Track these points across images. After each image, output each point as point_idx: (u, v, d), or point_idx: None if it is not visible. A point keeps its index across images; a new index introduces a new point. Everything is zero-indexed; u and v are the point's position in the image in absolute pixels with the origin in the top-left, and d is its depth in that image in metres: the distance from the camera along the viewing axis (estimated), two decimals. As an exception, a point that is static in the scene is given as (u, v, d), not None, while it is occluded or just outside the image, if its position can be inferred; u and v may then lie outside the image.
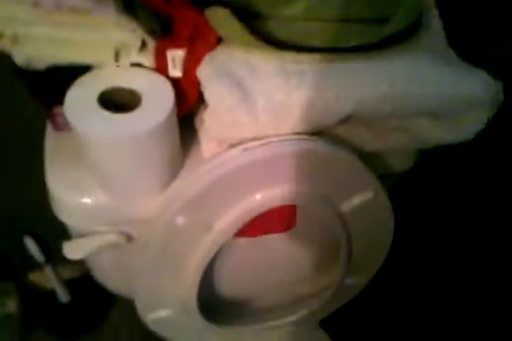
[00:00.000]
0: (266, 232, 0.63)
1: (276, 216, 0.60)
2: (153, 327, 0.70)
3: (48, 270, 0.93)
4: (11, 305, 1.00)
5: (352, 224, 0.61)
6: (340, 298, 0.76)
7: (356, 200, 0.58)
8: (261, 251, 0.66)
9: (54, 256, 0.93)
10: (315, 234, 0.67)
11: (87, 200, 0.54)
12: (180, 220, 0.53)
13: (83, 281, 1.08)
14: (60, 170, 0.56)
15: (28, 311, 1.05)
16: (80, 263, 0.71)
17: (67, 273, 1.08)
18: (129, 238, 0.59)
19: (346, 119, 0.49)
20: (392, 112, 0.50)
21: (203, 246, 0.57)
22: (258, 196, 0.53)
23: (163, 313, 0.67)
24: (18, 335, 1.05)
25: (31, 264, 0.99)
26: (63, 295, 1.01)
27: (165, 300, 0.65)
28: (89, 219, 0.57)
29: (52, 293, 1.03)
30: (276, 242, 0.65)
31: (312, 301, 0.74)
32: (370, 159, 0.57)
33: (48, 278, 0.98)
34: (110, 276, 0.69)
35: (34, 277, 1.08)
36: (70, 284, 1.07)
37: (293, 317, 0.74)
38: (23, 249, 0.89)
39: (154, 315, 0.67)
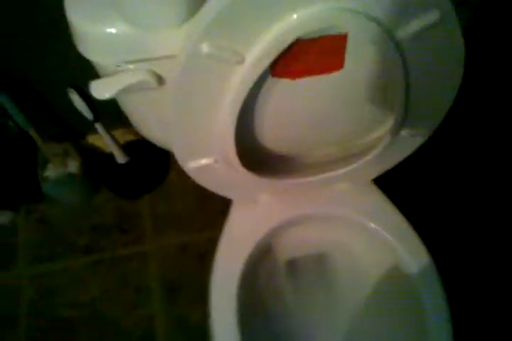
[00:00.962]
0: (309, 73, 0.56)
1: (320, 52, 0.52)
2: (194, 177, 0.68)
3: (100, 129, 0.93)
4: (73, 165, 1.04)
5: (411, 58, 0.52)
6: (396, 153, 0.70)
7: (417, 23, 0.48)
8: (305, 97, 0.60)
9: (105, 118, 0.93)
10: (367, 77, 0.58)
11: (109, 30, 0.50)
12: (204, 48, 0.47)
13: (140, 144, 1.11)
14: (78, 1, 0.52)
15: (89, 171, 1.09)
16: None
17: (124, 136, 1.10)
18: (159, 78, 0.55)
19: None
20: None
21: (235, 81, 0.51)
22: (294, 15, 0.45)
23: (202, 161, 0.65)
24: (82, 194, 1.11)
25: (89, 128, 1.01)
26: (120, 157, 1.03)
27: (202, 146, 0.62)
28: (113, 53, 0.52)
29: (110, 155, 1.06)
30: (321, 86, 0.58)
31: (364, 155, 0.68)
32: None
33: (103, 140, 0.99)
34: (147, 124, 0.67)
35: (93, 140, 1.11)
36: (127, 147, 1.09)
37: (341, 171, 0.70)
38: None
39: (194, 164, 0.65)
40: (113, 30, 0.50)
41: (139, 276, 1.10)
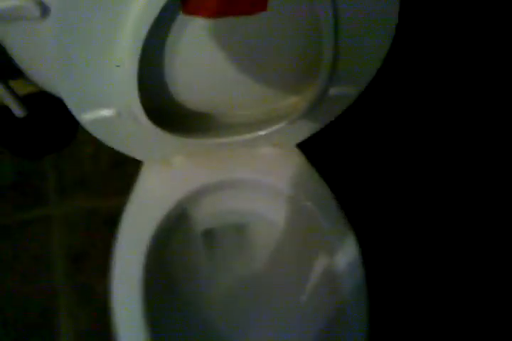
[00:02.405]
0: (226, 12, 0.47)
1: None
2: (92, 132, 0.59)
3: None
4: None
5: (343, 4, 0.45)
6: (323, 115, 0.64)
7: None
8: (223, 42, 0.51)
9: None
10: (293, 23, 0.50)
11: None
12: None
13: (45, 97, 0.98)
14: None
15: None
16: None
17: (28, 87, 0.97)
18: (43, 7, 0.45)
19: None
20: None
21: (134, 14, 0.42)
22: None
23: (101, 113, 0.55)
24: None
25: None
26: (17, 109, 0.90)
27: (99, 94, 0.52)
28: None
29: (6, 107, 0.93)
30: (240, 31, 0.50)
31: (288, 115, 0.62)
32: None
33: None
34: (32, 66, 0.57)
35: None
36: (29, 98, 0.96)
37: (263, 132, 0.63)
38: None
39: (90, 115, 0.55)
40: None
41: (39, 243, 0.99)
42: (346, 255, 0.67)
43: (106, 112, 0.55)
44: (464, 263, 1.07)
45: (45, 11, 0.45)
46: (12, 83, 0.89)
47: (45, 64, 0.55)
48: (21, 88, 0.97)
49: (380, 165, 1.12)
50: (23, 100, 0.93)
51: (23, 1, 0.44)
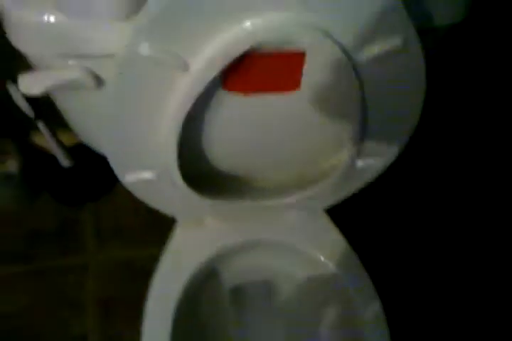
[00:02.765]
0: (262, 90, 0.51)
1: (275, 69, 0.48)
2: (133, 191, 0.63)
3: (42, 128, 0.86)
4: (12, 165, 0.97)
5: (369, 82, 0.48)
6: (352, 182, 0.66)
7: (378, 47, 0.44)
8: (257, 115, 0.55)
9: (51, 117, 0.86)
10: (324, 99, 0.54)
11: (41, 19, 0.44)
12: (144, 49, 0.42)
13: (89, 148, 1.04)
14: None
15: (30, 173, 1.02)
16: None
17: (73, 137, 1.03)
18: (98, 79, 0.50)
19: None
20: None
21: (180, 90, 0.46)
22: (243, 26, 0.41)
23: (142, 175, 0.59)
24: (21, 196, 1.04)
25: (34, 126, 0.94)
26: (64, 160, 0.96)
27: (142, 158, 0.56)
28: (46, 46, 0.46)
29: (54, 157, 0.99)
30: (275, 106, 0.53)
31: (316, 183, 0.64)
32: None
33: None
34: (83, 128, 0.61)
35: (37, 138, 1.04)
36: (75, 150, 1.02)
37: (292, 199, 0.65)
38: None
39: (132, 177, 0.59)
40: (45, 19, 0.44)
41: (74, 290, 1.02)
42: (371, 317, 0.67)
43: (146, 174, 0.59)
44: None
45: (100, 82, 0.50)
46: (59, 134, 0.96)
47: (94, 127, 0.59)
48: (68, 139, 1.04)
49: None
50: (70, 151, 0.99)
51: (83, 75, 0.48)
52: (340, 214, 0.75)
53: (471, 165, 1.20)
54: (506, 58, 1.06)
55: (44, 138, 0.94)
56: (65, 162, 0.98)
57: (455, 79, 1.09)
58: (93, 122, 0.58)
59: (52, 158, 0.99)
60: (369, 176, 0.65)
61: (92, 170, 1.05)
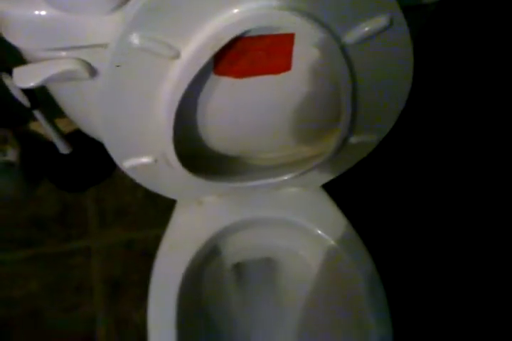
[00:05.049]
0: (253, 72, 0.52)
1: (266, 51, 0.49)
2: (132, 176, 0.64)
3: (39, 117, 0.87)
4: (12, 153, 0.98)
5: (358, 63, 0.49)
6: (346, 159, 0.68)
7: (365, 28, 0.45)
8: (250, 97, 0.56)
9: (47, 106, 0.87)
10: (314, 80, 0.55)
11: (31, 12, 0.44)
12: (135, 39, 0.42)
13: (85, 134, 1.05)
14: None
15: (29, 160, 1.03)
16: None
17: (70, 125, 1.04)
18: (91, 69, 0.50)
19: None
20: None
21: (172, 77, 0.47)
22: (232, 12, 0.41)
23: (140, 161, 0.60)
24: (22, 184, 1.05)
25: (31, 115, 0.94)
26: (63, 147, 0.97)
27: (139, 145, 0.58)
28: (37, 39, 0.47)
29: (53, 144, 1.00)
30: (267, 87, 0.54)
31: (312, 160, 0.65)
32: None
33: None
34: (80, 117, 0.62)
35: (35, 127, 1.05)
36: (72, 136, 1.03)
37: (287, 176, 0.66)
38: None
39: (130, 163, 0.60)
40: (36, 13, 0.44)
41: (80, 273, 1.04)
42: (371, 292, 0.69)
43: (144, 159, 0.60)
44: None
45: (93, 72, 0.51)
46: (57, 121, 0.96)
47: (90, 116, 0.60)
48: (66, 126, 1.04)
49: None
50: (68, 138, 0.99)
51: (76, 66, 0.49)
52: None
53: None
54: (494, 36, 1.05)
55: (42, 126, 0.95)
56: (63, 149, 0.99)
57: (445, 58, 1.09)
58: (88, 111, 0.58)
59: (51, 145, 1.00)
60: (363, 152, 0.66)
61: (91, 155, 1.06)
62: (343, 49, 0.47)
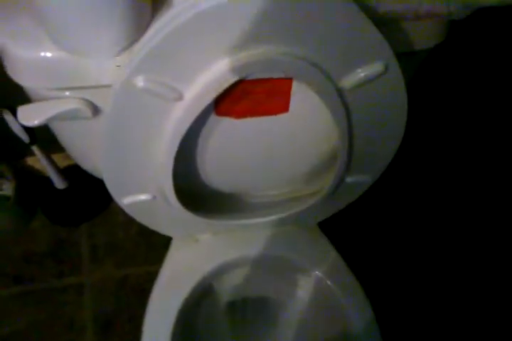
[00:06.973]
0: (253, 113, 0.54)
1: (265, 94, 0.51)
2: (130, 213, 0.64)
3: (37, 152, 0.88)
4: (7, 187, 0.98)
5: (354, 106, 0.51)
6: (342, 198, 0.68)
7: (361, 74, 0.47)
8: (248, 137, 0.57)
9: (45, 141, 0.88)
10: (312, 121, 0.56)
11: (38, 54, 0.46)
12: (139, 81, 0.44)
13: (82, 169, 1.06)
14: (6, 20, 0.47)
15: (25, 195, 1.03)
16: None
17: (66, 160, 1.05)
18: (95, 108, 0.52)
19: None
20: None
21: (174, 118, 0.48)
22: (234, 58, 0.43)
23: (138, 198, 0.61)
24: (16, 218, 1.04)
25: (29, 150, 0.95)
26: (59, 181, 0.98)
27: (138, 182, 0.58)
28: (43, 79, 0.48)
29: (49, 179, 1.00)
30: (266, 128, 0.56)
31: (308, 199, 0.66)
32: (386, 26, 0.45)
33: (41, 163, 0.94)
34: (80, 154, 0.63)
35: (32, 161, 1.05)
36: (68, 171, 1.03)
37: (286, 214, 0.67)
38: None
39: (129, 199, 0.61)
40: (42, 54, 0.46)
41: (72, 310, 1.03)
42: (365, 329, 0.68)
43: (143, 196, 0.61)
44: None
45: (96, 111, 0.52)
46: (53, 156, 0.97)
47: (91, 154, 0.61)
48: (62, 161, 1.05)
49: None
50: (63, 172, 1.00)
51: (80, 105, 0.50)
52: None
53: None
54: (484, 79, 1.10)
55: (38, 160, 0.95)
56: (59, 184, 0.99)
57: (438, 101, 1.13)
58: (89, 149, 0.59)
59: (47, 180, 1.01)
60: (358, 191, 0.67)
61: (86, 191, 1.06)
62: (340, 93, 0.49)
